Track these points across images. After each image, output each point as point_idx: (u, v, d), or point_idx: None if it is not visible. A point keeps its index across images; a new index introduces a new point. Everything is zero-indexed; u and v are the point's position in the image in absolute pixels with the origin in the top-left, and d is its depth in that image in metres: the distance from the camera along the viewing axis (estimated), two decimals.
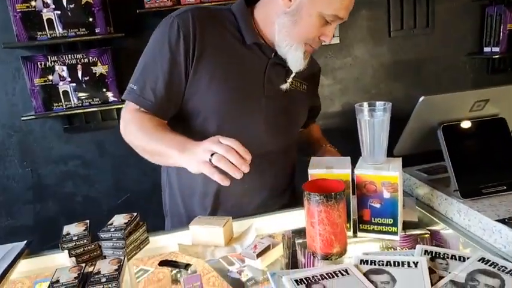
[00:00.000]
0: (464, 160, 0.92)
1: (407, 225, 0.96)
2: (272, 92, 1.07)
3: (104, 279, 0.79)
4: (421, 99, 0.87)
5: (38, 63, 1.73)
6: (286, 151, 1.16)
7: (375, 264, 0.77)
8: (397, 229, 0.89)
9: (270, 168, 1.12)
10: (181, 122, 1.07)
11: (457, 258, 0.78)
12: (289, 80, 1.08)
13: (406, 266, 0.76)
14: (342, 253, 0.85)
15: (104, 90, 1.89)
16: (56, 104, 1.77)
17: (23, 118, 1.77)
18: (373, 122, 0.89)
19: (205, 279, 0.87)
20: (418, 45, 2.14)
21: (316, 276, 0.74)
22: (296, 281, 0.73)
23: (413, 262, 0.76)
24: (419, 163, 1.16)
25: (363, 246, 0.92)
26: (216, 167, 0.84)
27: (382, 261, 0.78)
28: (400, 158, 0.92)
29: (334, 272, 0.75)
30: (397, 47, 2.10)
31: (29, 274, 0.95)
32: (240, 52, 1.04)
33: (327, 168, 0.91)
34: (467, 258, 0.77)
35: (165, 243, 1.01)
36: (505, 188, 0.91)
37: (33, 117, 1.76)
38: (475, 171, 0.92)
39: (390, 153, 0.97)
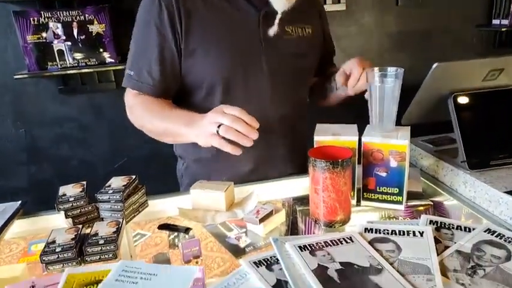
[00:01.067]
0: (473, 131, 0.90)
1: (410, 196, 0.95)
2: (271, 47, 1.02)
3: (102, 241, 0.77)
4: (434, 65, 0.83)
5: (31, 19, 1.65)
6: (296, 113, 1.12)
7: (379, 233, 0.76)
8: (403, 199, 0.87)
9: (280, 133, 1.09)
10: (185, 96, 1.05)
11: (463, 228, 0.77)
12: (277, 21, 1.01)
13: (411, 235, 0.74)
14: (346, 221, 0.83)
15: (101, 50, 1.83)
16: (50, 63, 1.70)
17: (15, 76, 1.71)
18: (384, 88, 0.86)
19: (203, 244, 0.85)
20: (426, 15, 2.07)
21: (319, 243, 0.73)
22: (300, 247, 0.71)
23: (419, 231, 0.75)
24: (425, 134, 1.13)
25: (365, 215, 0.90)
26: (225, 138, 0.82)
27: (387, 230, 0.76)
28: (409, 127, 0.89)
29: (338, 240, 0.74)
30: (404, 17, 2.03)
31: (24, 235, 0.93)
32: (228, 12, 1.00)
33: (334, 135, 0.88)
34: (473, 229, 0.76)
35: (164, 207, 0.99)
36: None
37: (26, 76, 1.70)
38: (484, 143, 0.90)
39: (398, 123, 0.94)
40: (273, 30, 1.01)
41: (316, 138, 0.89)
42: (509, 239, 0.72)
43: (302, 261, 0.67)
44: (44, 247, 0.77)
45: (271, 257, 0.71)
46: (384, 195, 0.88)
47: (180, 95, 1.05)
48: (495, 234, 0.73)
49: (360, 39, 2.01)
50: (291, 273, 0.65)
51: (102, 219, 0.89)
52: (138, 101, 1.02)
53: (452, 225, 0.78)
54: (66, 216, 0.87)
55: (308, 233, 0.85)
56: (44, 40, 1.69)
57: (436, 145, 1.06)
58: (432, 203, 0.94)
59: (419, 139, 1.12)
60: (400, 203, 0.87)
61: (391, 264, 0.67)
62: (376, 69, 0.88)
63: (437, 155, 1.01)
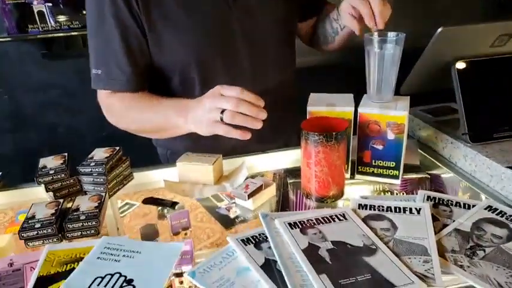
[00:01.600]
0: (477, 101, 0.85)
1: (407, 169, 0.91)
2: (243, 12, 0.92)
3: (83, 217, 0.73)
4: (439, 30, 0.76)
5: None
6: (282, 82, 1.04)
7: (374, 210, 0.73)
8: (399, 173, 0.83)
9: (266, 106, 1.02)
10: (159, 84, 0.96)
11: (462, 205, 0.73)
12: None
13: (408, 212, 0.71)
14: (339, 196, 0.79)
15: (85, 13, 1.71)
16: (31, 26, 1.60)
17: None
18: (383, 55, 0.79)
19: (193, 214, 0.82)
20: None
21: (311, 220, 0.69)
22: (290, 224, 0.68)
23: (416, 208, 0.71)
24: (424, 103, 1.08)
25: (359, 188, 0.87)
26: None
27: (382, 207, 0.73)
28: (408, 97, 0.84)
29: (330, 217, 0.70)
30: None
31: (12, 205, 0.90)
32: None
33: (328, 105, 0.82)
34: (473, 206, 0.73)
35: (150, 179, 0.95)
36: None
37: (6, 39, 1.60)
38: (488, 114, 0.85)
39: (397, 92, 0.88)
40: None
41: (309, 108, 0.83)
42: (511, 217, 0.69)
43: (292, 239, 0.64)
44: (23, 223, 0.73)
45: (259, 235, 0.68)
46: (379, 169, 0.84)
47: (154, 83, 0.95)
48: (496, 212, 0.70)
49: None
50: (280, 253, 0.62)
51: (85, 193, 0.85)
52: (114, 101, 0.93)
53: (451, 201, 0.75)
54: (47, 190, 0.82)
55: (300, 208, 0.82)
56: (23, 1, 1.58)
57: (435, 115, 1.01)
58: (429, 176, 0.91)
59: (418, 108, 1.07)
60: (396, 177, 0.84)
61: (385, 243, 0.64)
62: (375, 34, 0.82)
63: (436, 126, 0.96)
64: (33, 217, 0.74)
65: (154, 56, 0.92)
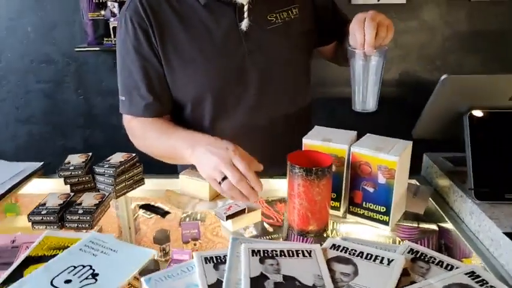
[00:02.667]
0: (489, 156, 0.78)
1: (409, 217, 0.87)
2: (254, 44, 0.95)
3: (81, 211, 0.83)
4: (442, 77, 0.73)
5: None
6: (293, 113, 1.05)
7: (345, 252, 0.70)
8: (389, 219, 0.79)
9: (280, 136, 1.03)
10: (178, 111, 1.03)
11: (444, 265, 0.68)
12: (246, 14, 0.93)
13: (378, 261, 0.68)
14: (319, 232, 0.78)
15: None
16: (106, 39, 1.83)
17: (76, 49, 1.87)
18: (367, 66, 0.82)
19: (211, 228, 0.87)
20: (503, 14, 1.79)
21: (275, 251, 0.69)
22: (253, 251, 0.69)
23: (388, 259, 0.68)
24: (451, 150, 1.01)
25: (357, 227, 0.84)
26: None
27: (355, 251, 0.70)
28: (411, 142, 0.80)
29: (296, 251, 0.70)
30: (477, 14, 1.79)
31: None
32: (202, 18, 0.94)
33: (324, 140, 0.83)
34: (456, 267, 0.67)
35: (164, 186, 1.01)
36: None
37: (85, 49, 1.85)
38: (499, 171, 0.78)
39: (409, 136, 0.85)
40: (244, 24, 0.93)
41: (304, 141, 0.84)
42: None
43: (246, 266, 0.65)
44: (35, 207, 0.84)
45: (224, 256, 0.70)
46: (370, 212, 0.81)
47: (174, 109, 1.03)
48: (477, 280, 0.64)
49: (421, 36, 1.82)
50: (229, 276, 0.64)
51: (98, 190, 0.95)
52: (135, 124, 1.01)
53: (434, 259, 0.69)
54: (65, 183, 0.94)
55: (286, 239, 0.82)
56: (102, 17, 1.82)
57: (457, 164, 0.94)
58: (437, 229, 0.85)
59: (442, 155, 1.00)
60: (386, 223, 0.80)
61: None
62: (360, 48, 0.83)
63: (453, 176, 0.90)
64: (44, 204, 0.85)
65: (171, 85, 0.99)
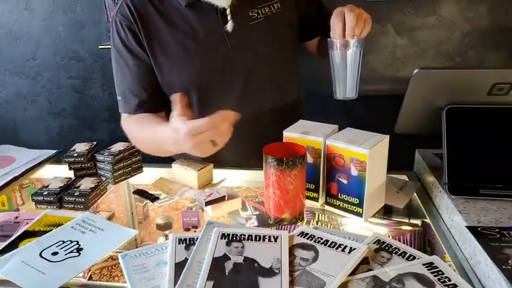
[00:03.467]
0: (465, 151, 0.77)
1: (388, 211, 0.88)
2: (238, 41, 0.99)
3: (77, 193, 0.91)
4: (414, 71, 0.73)
5: None
6: (280, 107, 1.09)
7: (311, 239, 0.73)
8: (363, 211, 0.81)
9: (267, 129, 1.07)
10: (170, 107, 1.08)
11: (406, 256, 0.69)
12: (229, 18, 0.96)
13: (340, 249, 0.70)
14: (293, 220, 0.81)
15: None
16: None
17: (100, 47, 1.99)
18: (345, 55, 0.85)
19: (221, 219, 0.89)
20: None
21: (243, 235, 0.73)
22: (223, 234, 0.74)
23: (350, 248, 0.70)
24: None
25: (344, 220, 0.86)
26: None
27: (320, 239, 0.73)
28: (387, 136, 0.81)
29: (264, 236, 0.74)
30: (500, 10, 1.71)
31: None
32: (186, 18, 0.98)
33: (302, 133, 0.85)
34: (418, 258, 0.68)
35: (160, 174, 1.07)
36: (509, 192, 0.75)
37: (108, 46, 1.96)
38: (475, 167, 0.77)
39: (390, 131, 0.86)
40: (230, 26, 0.97)
41: (285, 133, 0.87)
42: (446, 280, 0.63)
43: (213, 247, 0.70)
44: (38, 189, 0.93)
45: (197, 238, 0.75)
46: (345, 204, 0.83)
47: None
48: (432, 270, 0.65)
49: (439, 32, 1.77)
50: (194, 255, 0.69)
51: (99, 176, 1.03)
52: (129, 123, 1.06)
53: (398, 249, 0.71)
54: (69, 168, 1.03)
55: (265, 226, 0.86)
56: None
57: None
58: (419, 225, 0.86)
59: (432, 151, 1.00)
60: (360, 215, 0.82)
61: (293, 271, 0.65)
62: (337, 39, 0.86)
63: (435, 172, 0.90)
64: (47, 186, 0.94)
65: (160, 83, 1.04)
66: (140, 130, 1.02)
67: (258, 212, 0.89)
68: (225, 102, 1.02)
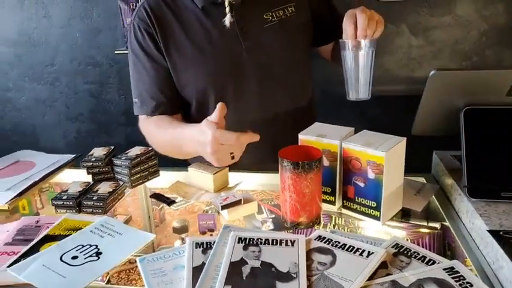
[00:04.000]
0: (484, 153, 0.76)
1: (406, 215, 0.87)
2: (252, 43, 1.00)
3: (95, 197, 0.92)
4: (430, 73, 0.72)
5: (130, 3, 1.92)
6: (294, 108, 1.09)
7: (328, 243, 0.73)
8: (380, 214, 0.80)
9: (282, 131, 1.07)
10: (186, 110, 1.10)
11: (426, 260, 0.68)
12: (227, 11, 0.96)
13: (357, 253, 0.69)
14: (310, 224, 0.81)
15: None
16: None
17: (116, 52, 2.02)
18: (358, 56, 0.85)
19: (237, 222, 0.89)
20: None
21: (260, 239, 0.74)
22: (239, 238, 0.74)
23: (368, 252, 0.69)
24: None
25: (361, 223, 0.85)
26: None
27: (338, 243, 0.73)
28: (404, 138, 0.80)
29: (281, 240, 0.73)
30: None
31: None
32: (201, 20, 1.00)
33: (318, 136, 0.85)
34: (438, 263, 0.67)
35: (177, 177, 1.08)
36: None
37: (124, 52, 1.99)
38: (495, 169, 0.75)
39: (407, 133, 0.85)
40: (227, 20, 0.96)
41: (300, 136, 0.87)
42: (468, 285, 0.61)
43: (230, 251, 0.70)
44: (58, 193, 0.95)
45: (214, 242, 0.75)
46: (362, 207, 0.82)
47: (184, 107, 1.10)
48: (454, 275, 0.63)
49: (455, 32, 1.74)
50: (212, 259, 0.69)
51: (116, 180, 1.04)
52: (148, 123, 1.07)
53: (417, 254, 0.70)
54: (88, 173, 1.04)
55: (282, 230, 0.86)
56: None
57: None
58: (438, 228, 0.85)
59: (452, 153, 0.98)
60: (377, 218, 0.81)
61: (311, 276, 0.65)
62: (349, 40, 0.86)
63: (454, 174, 0.88)
64: (66, 191, 0.95)
65: (176, 86, 1.06)
66: (159, 131, 1.03)
67: (273, 215, 0.89)
68: (240, 104, 1.03)
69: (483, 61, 1.79)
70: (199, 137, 0.83)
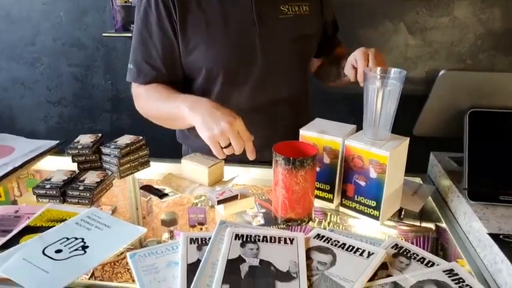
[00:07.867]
0: (486, 156, 0.75)
1: (412, 215, 0.85)
2: (266, 30, 1.00)
3: (82, 187, 0.87)
4: (440, 73, 0.71)
5: None
6: (295, 99, 1.10)
7: (328, 242, 0.71)
8: (379, 214, 0.79)
9: (279, 119, 1.08)
10: (187, 81, 1.07)
11: (425, 262, 0.67)
12: None
13: (358, 253, 0.68)
14: (301, 221, 0.79)
15: None
16: (133, 25, 1.87)
17: (104, 34, 1.93)
18: (383, 91, 0.76)
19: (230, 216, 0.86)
20: None
21: (258, 236, 0.71)
22: (236, 235, 0.71)
23: (369, 252, 0.68)
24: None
25: (357, 222, 0.83)
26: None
27: (337, 242, 0.71)
28: (407, 138, 0.78)
29: (279, 238, 0.71)
30: None
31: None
32: (220, 1, 0.98)
33: (320, 132, 0.82)
34: (437, 265, 0.66)
35: (168, 169, 1.03)
36: None
37: (113, 35, 1.91)
38: (496, 173, 0.75)
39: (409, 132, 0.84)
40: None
41: (301, 132, 0.84)
42: (468, 287, 0.61)
43: (227, 248, 0.67)
44: (40, 181, 0.90)
45: (209, 238, 0.72)
46: (361, 206, 0.81)
47: (185, 81, 1.07)
48: (453, 277, 0.63)
49: (451, 33, 1.74)
50: (208, 257, 0.66)
51: (104, 170, 1.00)
52: (141, 90, 1.05)
53: (416, 255, 0.69)
54: (73, 161, 0.99)
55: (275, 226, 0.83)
56: (130, 4, 1.87)
57: (461, 164, 0.91)
58: (433, 229, 0.84)
59: (448, 155, 0.98)
60: (376, 218, 0.79)
61: (311, 276, 0.63)
62: (377, 69, 0.79)
63: (454, 176, 0.87)
64: (49, 179, 0.90)
65: (184, 60, 1.03)
66: (158, 97, 1.00)
67: (264, 210, 0.87)
68: (243, 87, 1.03)
69: (476, 65, 1.80)
70: (216, 110, 0.83)
